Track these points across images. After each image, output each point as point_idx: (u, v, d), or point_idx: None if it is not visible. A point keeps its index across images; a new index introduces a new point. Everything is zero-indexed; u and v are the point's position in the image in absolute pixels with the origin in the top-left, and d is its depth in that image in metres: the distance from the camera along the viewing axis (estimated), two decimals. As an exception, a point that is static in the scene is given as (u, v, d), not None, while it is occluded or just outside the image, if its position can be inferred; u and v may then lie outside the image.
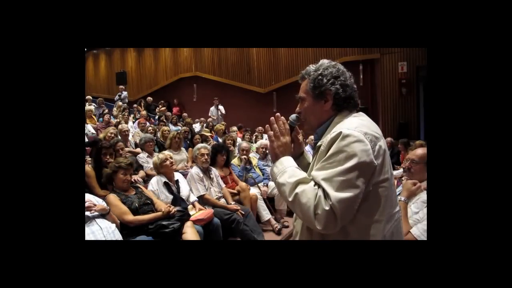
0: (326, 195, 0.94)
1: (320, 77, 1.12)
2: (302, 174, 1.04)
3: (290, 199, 1.00)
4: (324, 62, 1.16)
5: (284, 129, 1.13)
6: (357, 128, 1.00)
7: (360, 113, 1.13)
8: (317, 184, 0.98)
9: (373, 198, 1.00)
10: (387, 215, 1.02)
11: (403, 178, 2.46)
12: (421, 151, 2.00)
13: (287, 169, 1.06)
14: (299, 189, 0.99)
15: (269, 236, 3.78)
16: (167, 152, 3.45)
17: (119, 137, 4.46)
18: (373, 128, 1.04)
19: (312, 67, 1.16)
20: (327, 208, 0.93)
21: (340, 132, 0.99)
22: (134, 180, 3.14)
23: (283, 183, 1.03)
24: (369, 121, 1.09)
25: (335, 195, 0.93)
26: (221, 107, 9.72)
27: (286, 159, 1.09)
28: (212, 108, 9.82)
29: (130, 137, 5.14)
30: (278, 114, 1.16)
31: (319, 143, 1.09)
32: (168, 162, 3.24)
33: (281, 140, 1.12)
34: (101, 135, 4.70)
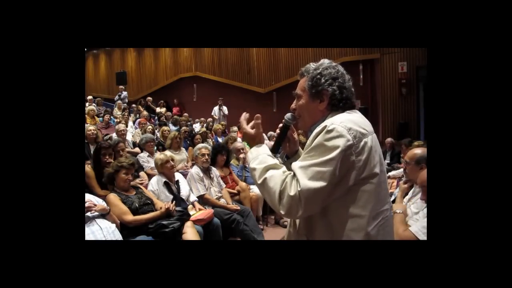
0: (296, 181, 0.97)
1: (318, 76, 1.12)
2: (273, 161, 1.08)
3: (259, 183, 1.05)
4: (325, 62, 1.16)
5: (241, 122, 1.20)
6: (342, 123, 1.00)
7: (354, 110, 1.13)
8: (291, 172, 1.01)
9: (355, 193, 1.01)
10: (372, 211, 1.02)
11: (403, 178, 2.47)
12: (413, 151, 2.01)
13: (259, 155, 1.10)
14: (268, 174, 1.04)
15: (269, 236, 3.78)
16: (169, 154, 3.43)
17: (117, 137, 4.44)
18: (361, 124, 1.04)
19: (312, 66, 1.16)
20: (291, 193, 0.96)
21: (325, 126, 1.01)
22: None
23: (254, 167, 1.08)
24: (360, 117, 1.09)
25: (305, 183, 0.96)
26: (224, 108, 9.75)
27: (260, 147, 1.14)
28: (216, 108, 9.85)
29: (130, 137, 5.14)
30: (244, 113, 1.22)
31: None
32: (169, 165, 3.24)
33: (245, 131, 1.18)
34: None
